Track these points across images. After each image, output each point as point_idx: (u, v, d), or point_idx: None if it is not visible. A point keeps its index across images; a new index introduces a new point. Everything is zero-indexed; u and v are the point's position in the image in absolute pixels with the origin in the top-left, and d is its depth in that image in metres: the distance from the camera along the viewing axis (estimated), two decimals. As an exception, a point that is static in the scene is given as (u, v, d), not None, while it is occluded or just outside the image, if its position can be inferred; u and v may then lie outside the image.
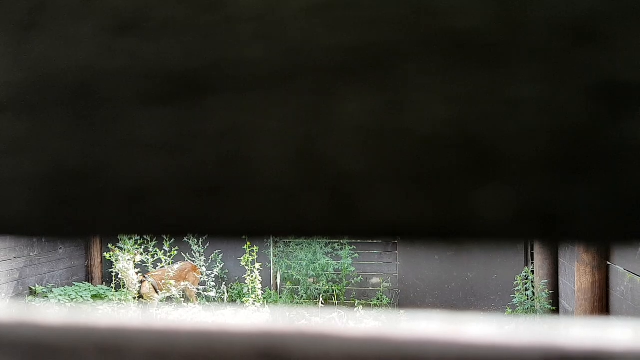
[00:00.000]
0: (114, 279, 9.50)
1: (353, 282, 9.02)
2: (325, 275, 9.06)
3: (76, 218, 0.38)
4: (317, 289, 8.98)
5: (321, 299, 9.27)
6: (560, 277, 7.34)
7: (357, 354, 0.40)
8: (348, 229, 0.37)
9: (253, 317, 0.45)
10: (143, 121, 0.37)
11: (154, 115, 0.37)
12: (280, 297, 9.37)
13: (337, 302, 9.39)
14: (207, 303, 9.26)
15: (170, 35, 0.36)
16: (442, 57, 0.34)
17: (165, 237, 0.37)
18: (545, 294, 7.24)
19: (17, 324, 0.45)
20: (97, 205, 0.38)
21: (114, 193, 0.37)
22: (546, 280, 7.35)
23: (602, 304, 5.74)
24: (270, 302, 9.21)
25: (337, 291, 9.36)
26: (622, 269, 5.27)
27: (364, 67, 0.35)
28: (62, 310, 0.47)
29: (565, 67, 0.33)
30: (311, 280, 9.06)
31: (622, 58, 0.33)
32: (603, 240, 0.35)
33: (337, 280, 9.09)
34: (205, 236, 0.37)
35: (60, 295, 9.55)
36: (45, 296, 9.52)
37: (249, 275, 8.27)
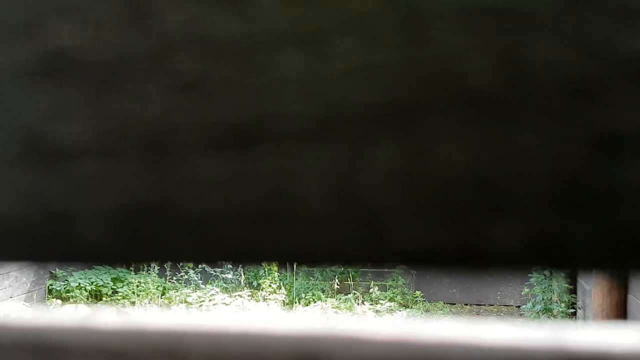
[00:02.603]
0: (133, 262, 9.61)
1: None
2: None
3: (150, 247, 0.44)
4: (333, 271, 9.06)
5: (337, 280, 9.36)
6: (576, 257, 7.29)
7: (397, 357, 0.41)
8: (378, 257, 0.43)
9: (296, 318, 0.49)
10: (204, 165, 0.43)
11: (213, 160, 0.43)
12: (296, 279, 9.46)
13: (352, 283, 9.47)
14: (224, 285, 9.40)
15: (226, 93, 0.42)
16: (462, 111, 0.40)
17: (228, 263, 0.43)
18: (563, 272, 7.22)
19: (27, 327, 0.47)
20: (167, 235, 0.44)
21: (181, 225, 0.44)
22: (562, 261, 7.31)
23: (621, 282, 5.72)
24: (287, 284, 9.30)
25: (352, 272, 9.44)
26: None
27: (394, 119, 0.41)
28: (118, 313, 0.51)
29: (568, 120, 0.39)
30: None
31: (618, 113, 0.38)
32: (602, 267, 0.41)
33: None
34: (258, 262, 0.44)
35: (81, 278, 9.68)
36: (66, 279, 9.66)
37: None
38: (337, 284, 9.34)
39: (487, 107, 0.40)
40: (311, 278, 9.35)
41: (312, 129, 0.42)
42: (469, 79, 0.40)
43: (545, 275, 7.23)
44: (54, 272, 9.51)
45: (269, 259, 0.44)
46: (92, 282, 9.50)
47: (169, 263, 0.42)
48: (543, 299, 7.19)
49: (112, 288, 9.57)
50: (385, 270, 9.26)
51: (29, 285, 9.31)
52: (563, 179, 0.39)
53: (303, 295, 9.21)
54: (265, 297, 8.94)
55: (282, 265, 0.43)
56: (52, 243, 0.46)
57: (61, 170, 0.46)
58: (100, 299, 9.54)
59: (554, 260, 0.40)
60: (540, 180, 0.40)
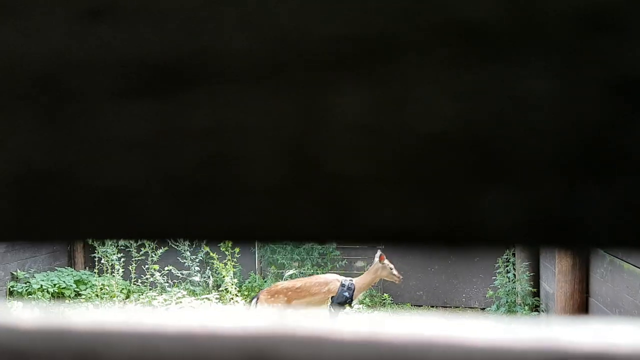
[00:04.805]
0: (96, 263, 9.38)
1: (338, 265, 9.03)
2: (310, 259, 9.05)
3: (47, 222, 0.34)
4: (302, 273, 8.99)
5: (305, 282, 9.29)
6: (541, 260, 7.43)
7: (351, 357, 0.38)
8: (343, 235, 0.34)
9: (242, 316, 0.43)
10: (118, 116, 0.34)
11: (130, 110, 0.34)
12: (265, 281, 9.36)
13: (321, 285, 9.42)
14: (191, 287, 9.24)
15: (147, 21, 0.33)
16: (447, 49, 0.31)
17: (147, 242, 0.34)
18: (526, 276, 7.34)
19: None
20: (69, 209, 0.34)
21: (87, 195, 0.34)
22: (527, 263, 7.44)
23: (583, 286, 5.82)
24: (256, 287, 9.19)
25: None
26: (602, 251, 5.34)
27: (362, 59, 0.32)
28: (38, 311, 0.44)
29: (582, 61, 0.30)
30: (296, 264, 9.05)
31: None
32: (618, 245, 0.33)
33: (322, 264, 9.10)
34: (189, 241, 0.34)
35: (43, 280, 9.41)
36: (28, 281, 9.38)
37: (229, 260, 8.26)
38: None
39: (481, 43, 0.31)
40: (280, 280, 9.24)
41: (258, 71, 0.32)
42: (458, 6, 0.31)
43: (509, 278, 7.30)
44: (15, 273, 9.18)
45: (204, 239, 0.35)
46: (55, 284, 9.21)
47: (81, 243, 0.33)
48: (507, 302, 7.27)
49: (74, 290, 9.30)
50: (354, 271, 9.21)
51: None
52: (576, 136, 0.31)
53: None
54: (232, 298, 8.80)
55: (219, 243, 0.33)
56: None
57: None
58: (63, 302, 9.29)
59: (559, 237, 0.32)
60: (547, 138, 0.31)
